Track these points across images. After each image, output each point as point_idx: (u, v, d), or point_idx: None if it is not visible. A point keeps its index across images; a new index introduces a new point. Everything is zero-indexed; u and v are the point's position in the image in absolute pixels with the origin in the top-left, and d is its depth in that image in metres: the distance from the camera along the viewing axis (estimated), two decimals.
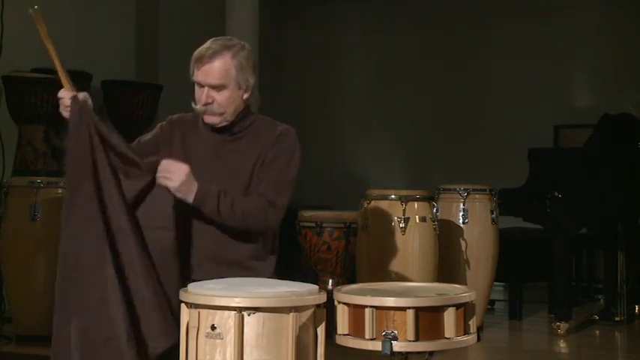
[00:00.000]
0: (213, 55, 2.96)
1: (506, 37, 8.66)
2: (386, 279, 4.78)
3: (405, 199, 5.06)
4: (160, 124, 3.17)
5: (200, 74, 2.97)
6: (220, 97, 2.97)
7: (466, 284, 5.20)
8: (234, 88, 2.99)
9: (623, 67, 8.13)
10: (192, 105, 3.04)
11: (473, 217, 5.59)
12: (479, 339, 4.94)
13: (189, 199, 2.87)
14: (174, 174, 2.85)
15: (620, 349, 5.73)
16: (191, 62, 3.00)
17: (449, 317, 2.71)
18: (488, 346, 5.51)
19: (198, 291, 2.61)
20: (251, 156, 3.02)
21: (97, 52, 7.15)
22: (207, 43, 3.01)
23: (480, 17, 8.79)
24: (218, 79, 2.95)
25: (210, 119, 3.01)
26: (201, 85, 2.98)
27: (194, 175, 2.89)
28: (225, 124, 3.03)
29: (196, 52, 2.99)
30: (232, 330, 2.51)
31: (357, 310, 2.75)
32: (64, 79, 2.91)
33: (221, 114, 2.99)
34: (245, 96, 3.03)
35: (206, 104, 2.98)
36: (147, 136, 3.17)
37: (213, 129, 3.04)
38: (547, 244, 5.77)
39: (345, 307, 2.79)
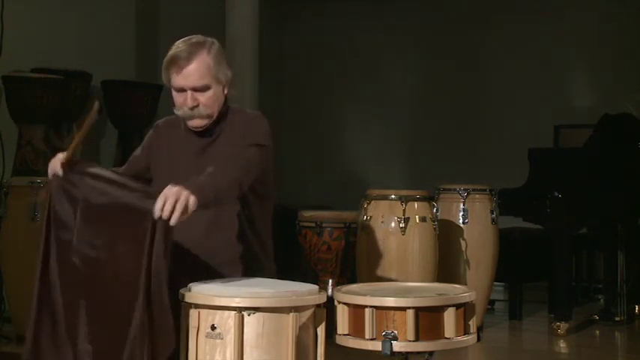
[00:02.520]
0: (189, 57, 2.83)
1: (506, 37, 8.66)
2: (386, 279, 4.78)
3: (405, 199, 5.06)
4: (148, 134, 3.13)
5: (180, 79, 2.83)
6: (205, 97, 2.86)
7: (466, 284, 5.19)
8: (216, 85, 2.89)
9: (623, 67, 8.12)
10: (175, 111, 2.91)
11: (473, 217, 5.58)
12: (479, 339, 4.93)
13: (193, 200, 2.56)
14: (173, 197, 2.53)
15: (620, 349, 5.73)
16: (164, 68, 2.86)
17: (449, 317, 2.72)
18: (488, 346, 5.51)
19: (198, 291, 2.61)
20: (227, 147, 2.91)
21: (97, 52, 7.15)
22: (179, 46, 2.86)
23: (480, 17, 8.79)
24: (200, 79, 2.84)
25: (196, 122, 2.90)
26: (182, 90, 2.85)
27: (180, 178, 2.70)
28: (209, 123, 2.93)
29: (169, 57, 2.84)
30: (232, 330, 2.51)
31: (357, 310, 2.75)
32: (72, 148, 2.84)
33: (208, 115, 2.90)
34: (225, 90, 2.94)
35: (192, 108, 2.86)
36: (137, 151, 3.11)
37: (195, 131, 2.95)
38: (547, 244, 5.76)
39: (345, 307, 2.79)
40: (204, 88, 2.86)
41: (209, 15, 7.94)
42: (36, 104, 6.22)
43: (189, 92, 2.85)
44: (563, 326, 5.61)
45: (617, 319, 6.05)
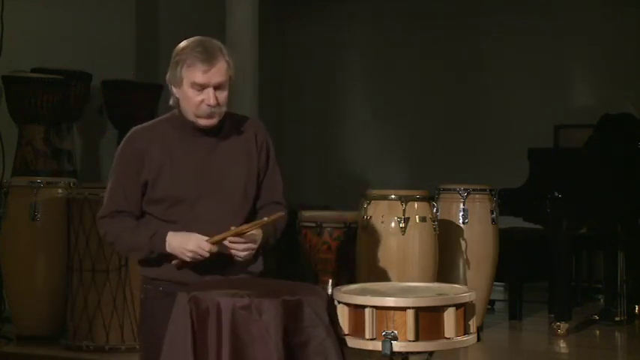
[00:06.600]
0: (216, 56, 2.88)
1: (506, 37, 8.65)
2: (386, 279, 4.78)
3: (405, 199, 5.05)
4: (124, 153, 3.02)
5: (206, 76, 2.85)
6: (222, 96, 2.90)
7: (466, 284, 5.19)
8: (228, 85, 2.94)
9: (623, 67, 8.12)
10: (188, 109, 2.90)
11: (473, 217, 5.58)
12: (479, 339, 4.93)
13: None
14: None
15: (620, 349, 5.74)
16: (186, 66, 2.87)
17: (449, 317, 2.71)
18: (488, 346, 5.51)
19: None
20: (242, 147, 3.00)
21: (97, 52, 7.16)
22: (205, 44, 2.90)
23: (481, 17, 8.78)
24: (223, 77, 2.89)
25: (211, 121, 2.91)
26: (203, 88, 2.87)
27: (194, 176, 2.91)
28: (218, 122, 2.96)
29: (199, 55, 2.86)
30: None
31: (357, 310, 2.74)
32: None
33: (221, 114, 2.92)
34: None
35: (214, 106, 2.88)
36: (127, 184, 2.99)
37: (201, 132, 2.95)
38: (547, 244, 5.76)
39: (345, 307, 2.78)
40: (223, 87, 2.91)
41: (209, 15, 7.94)
42: (36, 104, 6.22)
43: (210, 90, 2.88)
44: (563, 326, 5.61)
45: (617, 319, 6.05)
